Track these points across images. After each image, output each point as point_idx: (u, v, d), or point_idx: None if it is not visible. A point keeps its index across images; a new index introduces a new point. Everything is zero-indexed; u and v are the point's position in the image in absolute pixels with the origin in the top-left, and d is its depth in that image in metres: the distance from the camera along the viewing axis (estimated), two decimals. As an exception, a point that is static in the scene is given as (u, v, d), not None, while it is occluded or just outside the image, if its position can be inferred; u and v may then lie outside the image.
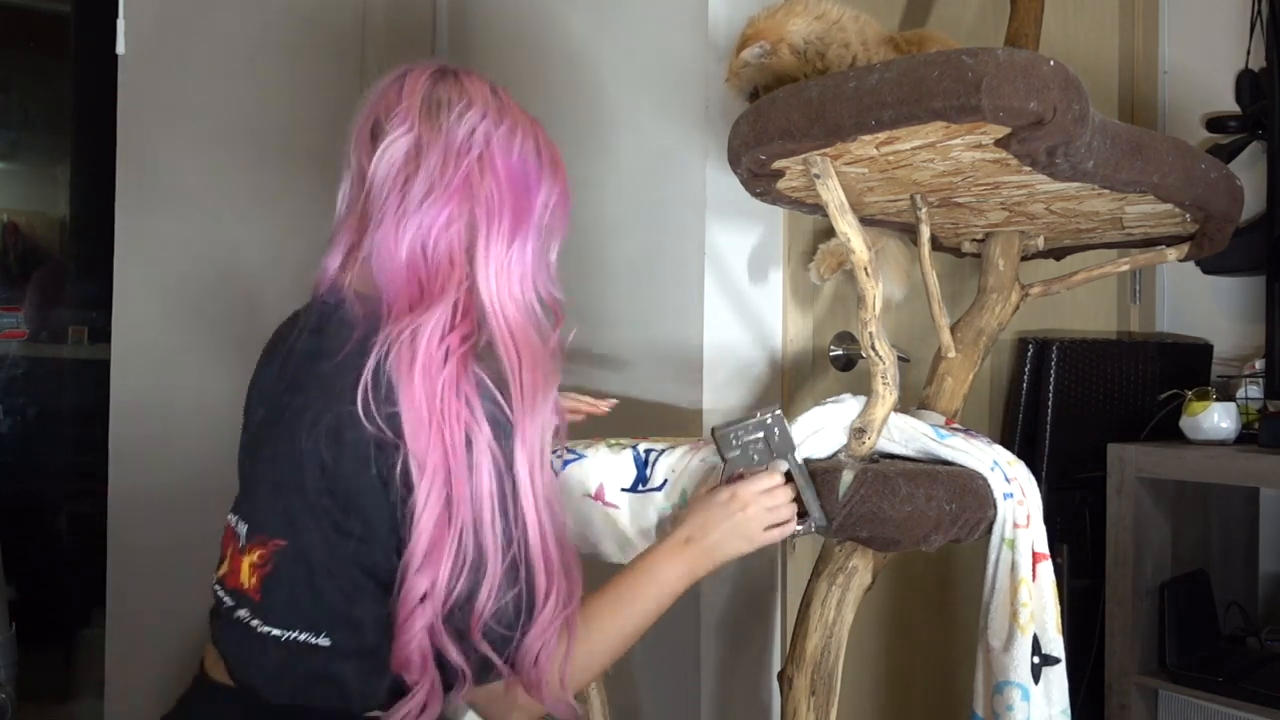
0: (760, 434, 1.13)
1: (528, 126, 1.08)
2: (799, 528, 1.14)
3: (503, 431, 0.99)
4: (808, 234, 1.63)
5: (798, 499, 1.14)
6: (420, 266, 1.01)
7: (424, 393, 0.96)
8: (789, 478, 1.14)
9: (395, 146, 1.02)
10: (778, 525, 1.13)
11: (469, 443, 0.97)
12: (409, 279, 1.00)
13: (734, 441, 1.13)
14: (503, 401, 1.00)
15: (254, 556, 1.03)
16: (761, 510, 1.11)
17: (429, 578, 0.96)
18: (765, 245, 1.60)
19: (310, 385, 1.03)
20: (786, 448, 1.14)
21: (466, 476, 0.96)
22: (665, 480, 1.24)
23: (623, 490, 1.25)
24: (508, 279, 1.04)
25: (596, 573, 1.12)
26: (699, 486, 1.19)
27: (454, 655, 0.99)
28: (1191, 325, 2.13)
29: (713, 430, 1.14)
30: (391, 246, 1.00)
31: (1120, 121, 1.14)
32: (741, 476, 1.13)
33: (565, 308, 1.09)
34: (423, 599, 0.96)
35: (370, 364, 0.97)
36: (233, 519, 1.10)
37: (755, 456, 1.13)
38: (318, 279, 1.10)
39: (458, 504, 0.96)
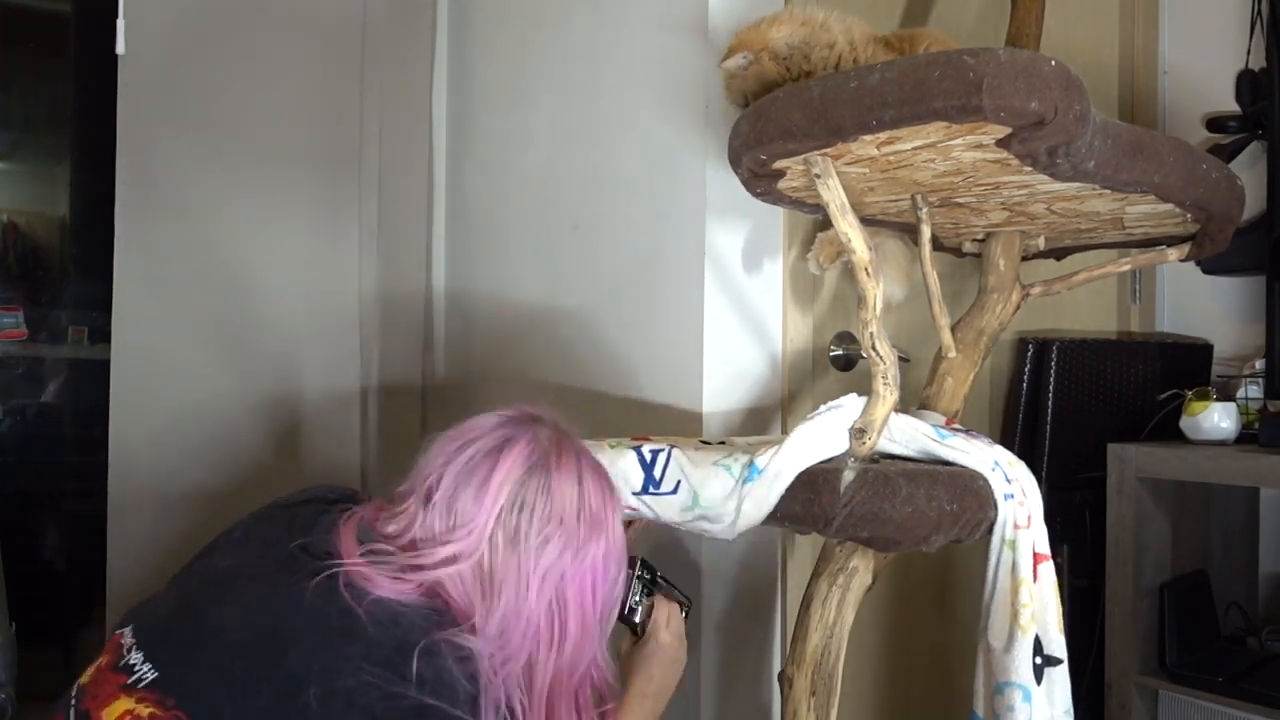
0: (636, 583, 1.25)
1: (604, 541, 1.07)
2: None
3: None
4: (808, 234, 1.63)
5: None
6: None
7: None
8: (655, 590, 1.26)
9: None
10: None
11: None
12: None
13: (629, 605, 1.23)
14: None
15: (144, 711, 0.92)
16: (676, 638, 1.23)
17: None
18: (765, 245, 1.60)
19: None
20: (653, 575, 1.26)
21: None
22: (678, 482, 1.22)
23: (634, 494, 1.23)
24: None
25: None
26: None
27: None
28: (1191, 325, 2.13)
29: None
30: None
31: (1121, 121, 1.14)
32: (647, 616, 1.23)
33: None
34: None
35: None
36: (128, 637, 0.99)
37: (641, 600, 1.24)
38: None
39: None
